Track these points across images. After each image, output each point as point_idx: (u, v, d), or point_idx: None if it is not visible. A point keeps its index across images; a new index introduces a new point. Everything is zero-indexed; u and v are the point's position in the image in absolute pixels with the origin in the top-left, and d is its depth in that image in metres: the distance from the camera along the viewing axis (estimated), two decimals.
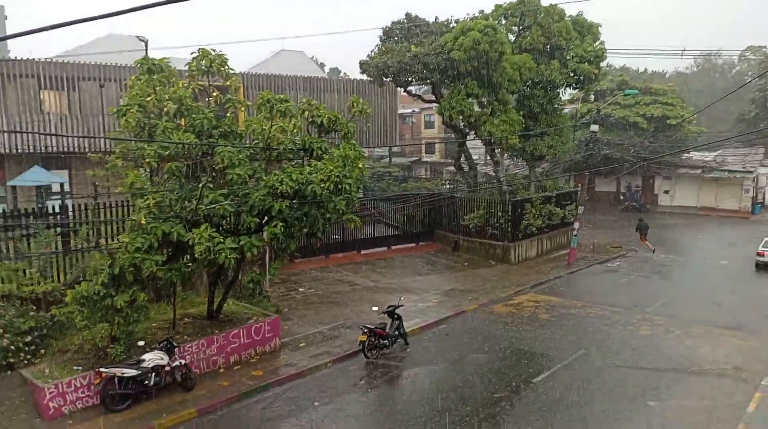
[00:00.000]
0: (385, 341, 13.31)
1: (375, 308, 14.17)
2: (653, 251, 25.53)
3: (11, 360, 11.02)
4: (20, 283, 12.13)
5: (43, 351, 11.43)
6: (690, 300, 18.43)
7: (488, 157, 28.73)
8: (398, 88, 30.36)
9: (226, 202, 11.14)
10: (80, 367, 10.58)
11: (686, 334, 15.02)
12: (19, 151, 22.35)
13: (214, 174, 11.92)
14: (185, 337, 12.19)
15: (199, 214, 11.23)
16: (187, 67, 12.63)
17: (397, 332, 13.75)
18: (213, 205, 11.05)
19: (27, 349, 11.21)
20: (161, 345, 10.99)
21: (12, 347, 11.00)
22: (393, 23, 27.32)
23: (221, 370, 12.18)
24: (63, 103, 24.62)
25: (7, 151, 22.11)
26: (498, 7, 26.64)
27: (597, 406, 10.87)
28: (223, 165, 11.39)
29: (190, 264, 11.66)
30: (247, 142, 13.25)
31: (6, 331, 11.03)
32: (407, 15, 27.32)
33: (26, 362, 11.11)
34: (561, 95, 28.16)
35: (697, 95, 62.93)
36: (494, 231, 24.08)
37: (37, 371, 10.53)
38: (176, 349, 11.05)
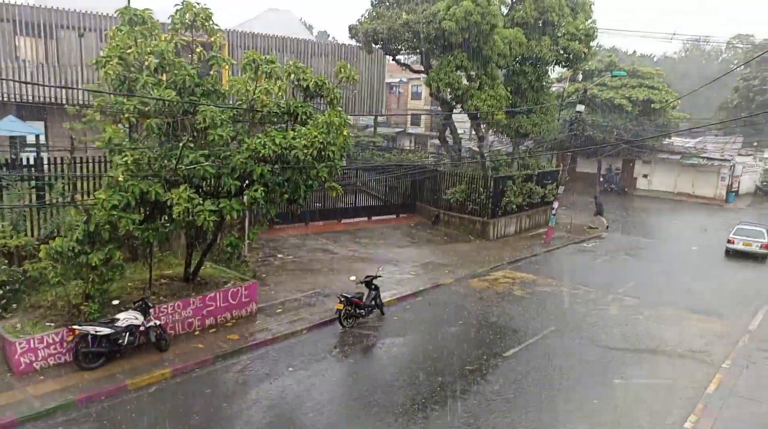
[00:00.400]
0: (362, 311, 13.42)
1: (353, 278, 14.24)
2: (607, 228, 26.23)
3: None
4: None
5: (14, 306, 11.25)
6: (660, 283, 18.91)
7: (473, 132, 28.64)
8: (387, 56, 29.87)
9: (206, 164, 10.94)
10: (53, 324, 10.48)
11: (654, 315, 15.46)
12: None
13: (195, 133, 11.66)
14: (161, 298, 12.12)
15: (179, 174, 11.02)
16: (170, 20, 12.18)
17: (373, 302, 13.86)
18: (193, 166, 10.85)
19: None
20: (136, 305, 10.91)
21: None
22: None
23: (196, 333, 12.18)
24: (40, 51, 23.66)
25: None
26: None
27: (565, 382, 11.19)
28: (205, 125, 11.12)
29: (167, 224, 11.48)
30: (231, 102, 12.95)
31: None
32: None
33: None
34: (549, 73, 28.04)
35: (683, 81, 63.34)
36: (475, 206, 24.22)
37: (8, 326, 10.39)
38: (151, 310, 10.98)
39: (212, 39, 12.52)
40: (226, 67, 12.70)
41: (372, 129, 43.25)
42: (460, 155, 28.40)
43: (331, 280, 16.50)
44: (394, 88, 51.16)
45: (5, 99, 21.87)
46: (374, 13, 25.33)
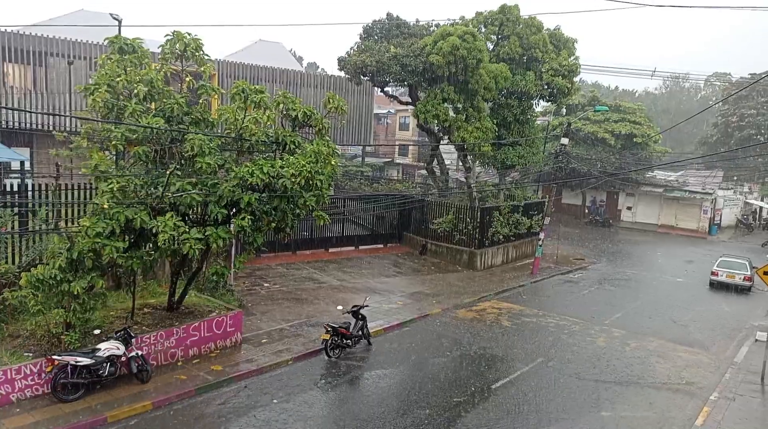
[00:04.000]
0: (348, 341, 13.26)
1: (340, 307, 14.11)
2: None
3: None
4: None
5: None
6: (646, 314, 18.98)
7: (460, 163, 28.99)
8: (375, 88, 30.35)
9: (193, 191, 10.91)
10: (31, 354, 10.19)
11: (641, 347, 15.46)
12: None
13: (182, 161, 11.63)
14: (144, 327, 11.87)
15: (165, 201, 10.97)
16: (160, 50, 12.30)
17: (360, 332, 13.71)
18: (180, 194, 10.82)
19: None
20: (118, 334, 10.67)
21: None
22: (374, 22, 27.26)
23: (179, 363, 11.90)
24: (28, 78, 23.70)
25: None
26: (478, 14, 26.95)
27: (553, 414, 11.07)
28: (193, 153, 11.12)
29: (152, 252, 11.37)
30: (219, 131, 13.01)
31: None
32: (388, 15, 27.31)
33: None
34: (534, 107, 28.67)
35: (664, 116, 65.04)
36: (462, 236, 24.30)
37: None
38: (133, 340, 10.74)
39: (202, 69, 12.64)
40: (215, 96, 12.79)
41: (360, 159, 43.58)
42: (447, 186, 28.66)
43: (317, 309, 16.32)
44: (382, 119, 51.80)
45: None
46: (363, 46, 25.82)
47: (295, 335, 14.13)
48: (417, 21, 27.65)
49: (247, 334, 13.75)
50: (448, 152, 32.36)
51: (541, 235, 24.38)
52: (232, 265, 14.63)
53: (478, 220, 23.88)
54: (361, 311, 13.89)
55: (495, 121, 25.50)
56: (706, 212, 39.99)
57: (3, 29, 22.60)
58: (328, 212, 13.23)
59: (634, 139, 39.18)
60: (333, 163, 12.51)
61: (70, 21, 31.60)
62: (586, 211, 43.03)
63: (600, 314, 18.39)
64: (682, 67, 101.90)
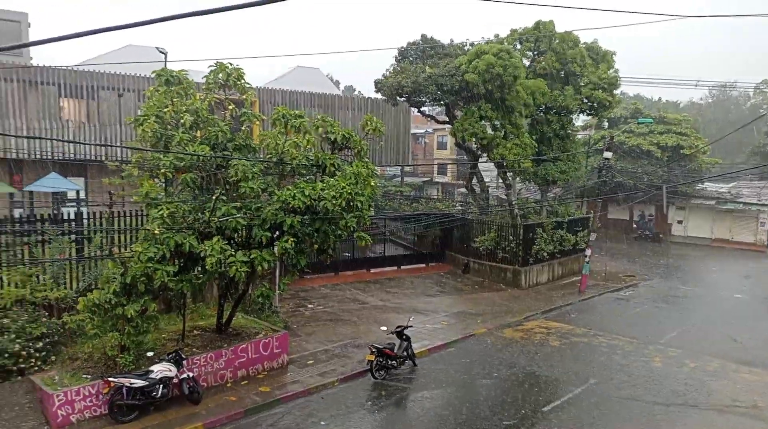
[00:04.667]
0: (394, 362, 13.15)
1: (384, 328, 14.04)
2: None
3: (22, 365, 11.00)
4: (33, 288, 12.17)
5: (53, 358, 11.42)
6: (704, 333, 18.09)
7: (500, 180, 28.70)
8: (412, 108, 30.56)
9: (238, 215, 11.18)
10: (89, 376, 10.56)
11: (700, 367, 14.71)
12: (38, 156, 22.64)
13: (227, 187, 11.97)
14: (194, 349, 12.13)
15: (212, 226, 11.26)
16: (204, 80, 12.78)
17: (405, 353, 13.59)
18: (225, 218, 11.09)
19: (38, 355, 11.20)
20: (170, 356, 10.93)
21: (23, 353, 11.00)
22: (409, 44, 27.59)
23: (228, 385, 12.07)
24: (82, 111, 25.01)
25: (26, 156, 22.41)
26: (513, 31, 26.89)
27: None
28: (237, 178, 11.45)
29: (201, 276, 11.65)
30: (261, 156, 13.33)
31: (18, 336, 11.04)
32: (423, 36, 27.59)
33: (36, 368, 11.10)
34: (574, 121, 28.20)
35: (711, 126, 62.78)
36: (505, 254, 23.92)
37: (47, 378, 10.51)
38: (184, 362, 10.98)
39: (244, 97, 13.04)
40: (257, 122, 13.16)
41: (399, 179, 43.74)
42: (487, 203, 28.37)
43: (361, 330, 16.30)
44: (420, 139, 51.99)
45: (49, 157, 22.93)
46: (398, 68, 26.12)
47: (340, 356, 14.13)
48: (451, 41, 27.83)
49: (293, 355, 13.84)
50: (488, 170, 32.13)
51: (588, 252, 23.74)
52: (277, 286, 14.82)
53: (521, 237, 23.49)
54: (405, 331, 13.78)
55: (534, 136, 25.19)
56: (764, 225, 38.10)
57: (58, 67, 23.97)
58: (369, 233, 13.29)
59: (682, 151, 37.92)
60: (372, 184, 12.62)
61: (118, 56, 33.28)
62: (634, 225, 41.69)
63: (654, 333, 17.65)
64: (729, 76, 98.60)
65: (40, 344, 11.29)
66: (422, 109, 27.65)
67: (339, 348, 14.75)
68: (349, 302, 19.38)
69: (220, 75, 12.65)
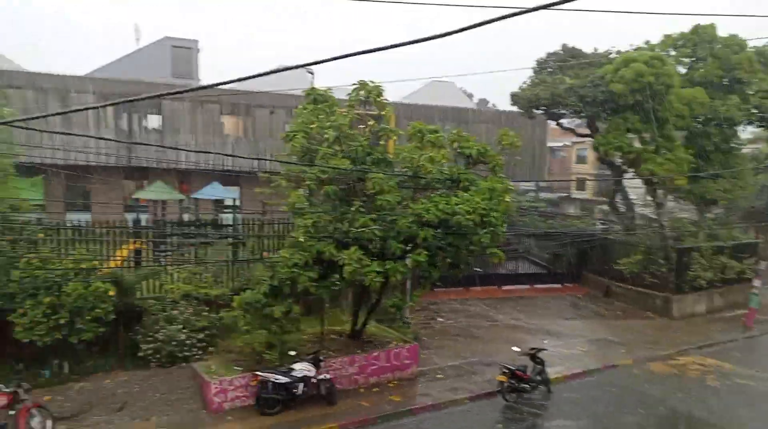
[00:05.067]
0: (526, 385, 12.66)
1: (516, 348, 13.61)
2: None
3: (186, 353, 12.44)
4: (197, 285, 13.72)
5: (211, 349, 12.77)
6: None
7: (648, 198, 26.44)
8: (549, 121, 29.49)
9: (374, 227, 11.57)
10: (240, 368, 11.64)
11: None
12: (203, 167, 25.58)
13: (365, 199, 12.45)
14: (330, 352, 12.79)
15: (350, 236, 11.80)
16: (347, 97, 13.51)
17: (539, 377, 13.02)
18: (363, 229, 11.55)
19: (199, 345, 12.61)
20: (310, 357, 11.64)
21: (188, 342, 12.45)
22: (548, 55, 26.70)
23: (361, 390, 12.53)
24: (239, 127, 27.82)
25: (194, 167, 25.42)
26: (667, 37, 24.78)
27: None
28: (374, 191, 11.89)
29: (338, 283, 12.24)
30: (397, 169, 13.72)
31: (184, 327, 12.52)
32: (563, 47, 26.53)
33: (198, 357, 12.49)
34: (740, 134, 25.13)
35: None
36: (654, 279, 21.87)
37: (205, 366, 11.78)
38: (322, 363, 11.63)
39: (383, 112, 13.55)
40: (394, 137, 13.60)
41: (534, 194, 42.29)
42: (633, 223, 26.28)
43: (491, 348, 15.96)
44: (557, 153, 49.85)
45: (212, 168, 25.75)
46: (536, 80, 25.38)
47: (470, 373, 13.96)
48: (595, 50, 26.42)
49: (423, 367, 13.97)
50: (634, 187, 29.80)
51: (756, 282, 20.88)
52: (409, 298, 15.09)
53: (674, 261, 21.35)
54: (539, 354, 13.22)
55: (690, 151, 22.87)
56: None
57: (220, 88, 26.88)
58: (502, 249, 13.03)
59: None
60: (507, 199, 12.39)
61: (271, 77, 36.49)
62: None
63: None
64: None
65: (202, 335, 12.69)
66: (560, 121, 26.56)
67: (469, 364, 14.59)
68: (479, 318, 19.10)
69: (362, 92, 13.29)
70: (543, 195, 44.70)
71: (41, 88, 23.40)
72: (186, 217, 22.54)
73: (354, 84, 13.40)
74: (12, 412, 9.40)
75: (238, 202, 26.28)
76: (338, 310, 15.97)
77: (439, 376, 13.70)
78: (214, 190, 23.46)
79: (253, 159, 26.27)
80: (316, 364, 11.50)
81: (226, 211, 26.11)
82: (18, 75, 23.76)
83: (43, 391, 11.01)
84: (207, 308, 13.32)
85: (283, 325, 11.66)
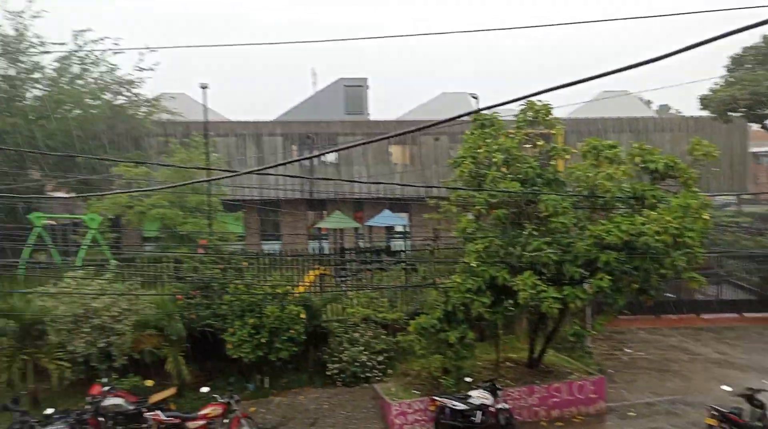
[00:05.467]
0: None
1: (726, 387, 11.78)
2: None
3: (368, 374, 13.13)
4: (375, 309, 14.45)
5: (390, 371, 13.29)
6: None
7: None
8: (749, 124, 25.67)
9: (549, 251, 11.08)
10: (419, 392, 11.91)
11: None
12: (374, 196, 27.11)
13: (537, 222, 12.03)
14: (507, 381, 12.46)
15: (523, 260, 11.47)
16: (514, 118, 13.27)
17: (759, 423, 11.09)
18: (536, 253, 11.14)
19: (379, 367, 13.21)
20: (486, 384, 11.46)
21: (369, 363, 13.13)
22: (744, 49, 23.42)
23: (543, 423, 11.96)
24: (406, 155, 29.00)
25: (366, 196, 27.07)
26: None
27: None
28: (547, 213, 11.43)
29: (512, 309, 11.95)
30: (570, 189, 13.05)
31: (365, 349, 13.24)
32: (764, 38, 23.03)
33: (378, 378, 13.09)
34: None
35: None
36: None
37: (386, 388, 12.28)
38: (500, 392, 11.36)
39: (553, 131, 13.05)
40: (567, 156, 12.97)
41: (735, 208, 36.84)
42: None
43: (693, 386, 14.08)
44: (762, 159, 42.98)
45: (382, 196, 27.16)
46: (731, 79, 22.37)
47: (669, 413, 12.45)
48: None
49: (611, 403, 12.84)
50: None
51: None
52: (590, 326, 14.09)
53: None
54: (759, 396, 11.28)
55: None
56: None
57: (388, 120, 28.35)
58: (701, 272, 11.55)
59: None
60: (706, 217, 11.00)
61: (435, 104, 37.50)
62: None
63: None
64: None
65: (381, 358, 13.28)
66: (766, 122, 22.97)
67: (665, 403, 13.02)
68: (674, 351, 17.01)
69: (529, 113, 12.99)
70: (747, 208, 38.68)
71: (240, 134, 27.08)
72: (361, 243, 23.98)
73: (522, 105, 13.18)
74: (226, 421, 10.77)
75: (407, 229, 27.23)
76: (513, 337, 15.52)
77: (630, 413, 12.46)
78: (385, 218, 24.64)
79: (420, 186, 27.28)
80: (493, 392, 11.27)
81: (396, 237, 27.22)
82: (222, 125, 27.81)
83: (248, 403, 12.43)
84: (385, 331, 13.91)
85: (458, 351, 11.68)
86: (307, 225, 28.11)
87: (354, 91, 33.43)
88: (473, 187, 12.92)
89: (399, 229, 27.65)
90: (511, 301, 11.95)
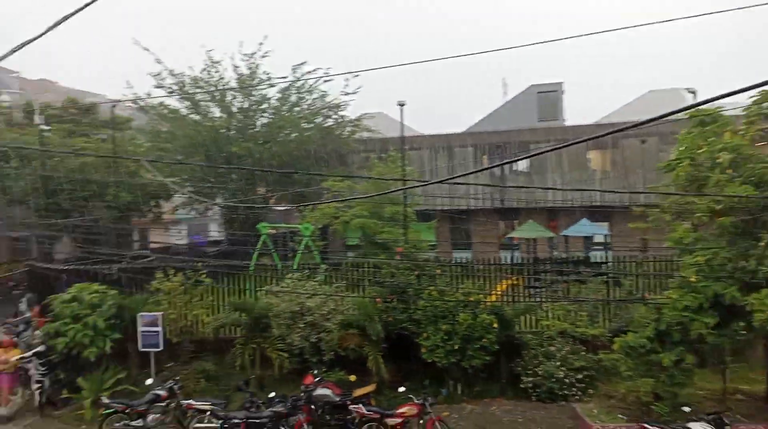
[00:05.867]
0: None
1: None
2: None
3: (565, 392, 12.38)
4: (573, 323, 13.61)
5: (591, 390, 12.36)
6: None
7: None
8: None
9: None
10: (625, 417, 10.86)
11: None
12: (570, 204, 25.65)
13: None
14: (738, 416, 10.66)
15: (759, 276, 9.78)
16: (743, 113, 11.43)
17: None
18: None
19: (578, 385, 12.37)
20: (710, 417, 9.93)
21: (566, 380, 12.37)
22: None
23: None
24: (606, 160, 26.88)
25: (561, 204, 25.77)
26: None
27: None
28: None
29: (743, 332, 10.24)
30: None
31: (562, 364, 12.54)
32: None
33: (577, 398, 12.26)
34: None
35: None
36: None
37: (587, 409, 11.44)
38: (728, 427, 9.75)
39: None
40: None
41: None
42: None
43: None
44: None
45: (579, 204, 25.55)
46: None
47: None
48: None
49: None
50: None
51: None
52: None
53: None
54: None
55: None
56: None
57: (587, 124, 26.63)
58: None
59: None
60: None
61: (641, 103, 34.17)
62: None
63: None
64: None
65: (580, 375, 12.41)
66: None
67: None
68: None
69: (764, 104, 11.08)
70: None
71: (432, 146, 28.01)
72: (556, 254, 22.86)
73: (753, 96, 11.33)
74: (421, 422, 11.12)
75: (608, 239, 25.20)
76: (744, 366, 13.24)
77: None
78: (582, 227, 23.15)
79: (625, 193, 25.08)
80: (718, 426, 9.71)
81: (596, 248, 25.35)
82: (415, 139, 29.08)
83: (441, 408, 12.62)
84: (584, 348, 13.00)
85: (672, 375, 10.36)
86: (498, 234, 27.78)
87: (547, 97, 32.27)
88: (692, 193, 11.47)
89: (599, 239, 25.69)
90: (742, 324, 10.25)
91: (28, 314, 15.50)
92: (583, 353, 12.75)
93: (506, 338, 13.24)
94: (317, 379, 12.08)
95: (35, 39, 4.93)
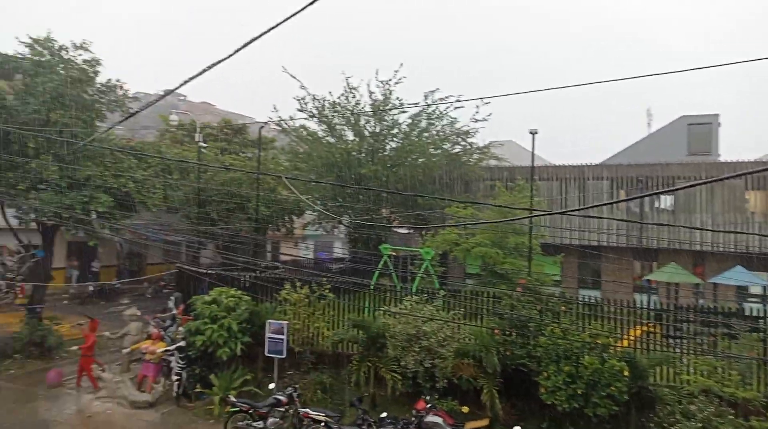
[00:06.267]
0: None
1: None
2: None
3: None
4: (720, 381, 12.01)
5: None
6: None
7: None
8: None
9: None
10: None
11: None
12: (721, 249, 22.94)
13: None
14: None
15: None
16: None
17: None
18: None
19: None
20: None
21: None
22: None
23: None
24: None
25: (710, 248, 23.15)
26: None
27: None
28: None
29: None
30: None
31: (704, 426, 11.02)
32: None
33: None
34: None
35: None
36: None
37: None
38: None
39: None
40: None
41: None
42: None
43: None
44: None
45: (732, 250, 22.75)
46: None
47: None
48: None
49: None
50: None
51: None
52: None
53: None
54: None
55: None
56: None
57: (745, 160, 23.77)
58: None
59: None
60: None
61: None
62: None
63: None
64: None
65: None
66: None
67: None
68: None
69: None
70: None
71: (563, 177, 26.78)
72: (702, 302, 20.48)
73: None
74: None
75: (767, 291, 22.08)
76: None
77: None
78: (736, 274, 20.52)
79: None
80: None
81: (751, 299, 22.32)
82: (545, 169, 28.05)
83: None
84: (732, 411, 11.35)
85: None
86: (633, 275, 25.62)
87: (700, 129, 29.48)
88: None
89: (755, 290, 22.60)
90: None
91: (174, 311, 17.20)
92: (731, 417, 11.13)
93: (638, 389, 12.04)
94: (429, 405, 11.91)
95: (202, 72, 5.60)
